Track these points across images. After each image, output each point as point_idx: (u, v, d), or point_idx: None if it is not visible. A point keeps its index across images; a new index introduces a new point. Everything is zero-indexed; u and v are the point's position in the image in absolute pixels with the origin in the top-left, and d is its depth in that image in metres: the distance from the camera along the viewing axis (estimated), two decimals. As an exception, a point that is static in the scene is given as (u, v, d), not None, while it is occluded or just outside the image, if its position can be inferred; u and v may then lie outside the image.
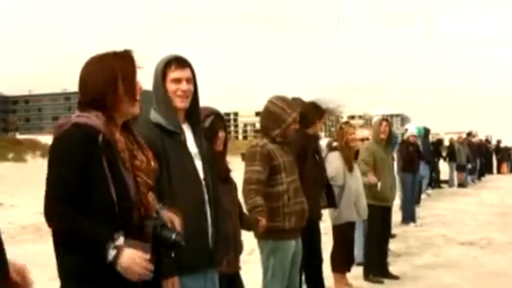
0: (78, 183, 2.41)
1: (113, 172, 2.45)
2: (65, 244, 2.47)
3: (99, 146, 2.44)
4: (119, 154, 2.51)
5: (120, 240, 2.39)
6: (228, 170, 3.96)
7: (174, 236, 2.55)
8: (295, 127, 4.83)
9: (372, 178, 7.22)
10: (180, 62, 3.29)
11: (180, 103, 3.27)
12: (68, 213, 2.40)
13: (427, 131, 16.73)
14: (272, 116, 4.77)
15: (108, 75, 2.55)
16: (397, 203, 10.83)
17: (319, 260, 5.89)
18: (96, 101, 2.54)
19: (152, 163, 2.67)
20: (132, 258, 2.39)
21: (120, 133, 2.58)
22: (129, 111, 2.62)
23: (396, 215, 11.21)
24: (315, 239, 5.74)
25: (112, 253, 2.37)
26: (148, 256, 2.42)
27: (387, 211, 7.60)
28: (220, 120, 3.86)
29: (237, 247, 3.92)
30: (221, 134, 3.84)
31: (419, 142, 12.67)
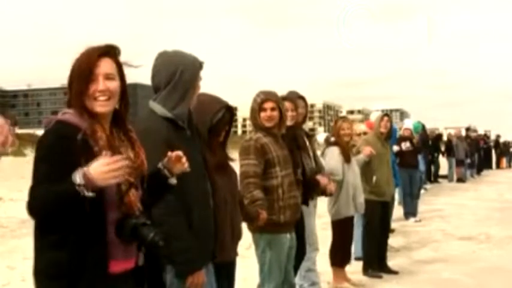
0: (57, 179, 2.36)
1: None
2: (46, 238, 2.46)
3: (77, 144, 2.42)
4: (100, 152, 2.46)
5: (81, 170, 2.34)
6: (226, 158, 3.98)
7: (151, 235, 2.51)
8: (270, 114, 4.72)
9: (366, 150, 7.24)
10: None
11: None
12: (40, 192, 2.37)
13: (423, 126, 16.75)
14: (250, 109, 4.84)
15: (81, 73, 2.52)
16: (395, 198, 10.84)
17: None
18: (73, 99, 2.53)
19: (142, 160, 2.63)
20: (97, 166, 2.34)
21: (104, 129, 2.53)
22: (94, 110, 2.53)
23: (396, 210, 11.21)
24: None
25: (78, 176, 2.32)
26: (114, 159, 2.36)
27: (385, 206, 7.60)
28: (229, 113, 3.92)
29: (234, 234, 3.92)
30: (227, 127, 3.92)
31: (415, 137, 12.65)
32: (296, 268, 5.34)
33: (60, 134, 2.46)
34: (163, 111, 3.26)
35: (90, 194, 2.33)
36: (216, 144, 3.84)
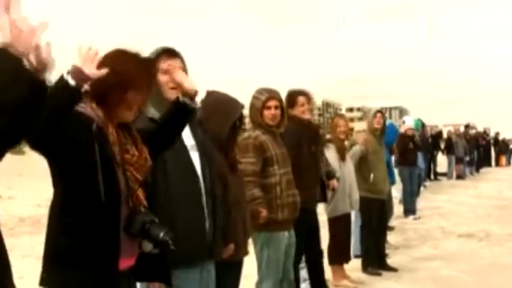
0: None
1: (103, 162, 2.44)
2: (59, 224, 2.47)
3: (92, 134, 2.43)
4: (110, 147, 2.49)
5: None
6: (236, 157, 4.00)
7: (162, 234, 2.52)
8: (274, 112, 4.72)
9: (362, 141, 7.27)
10: (170, 53, 3.25)
11: (172, 94, 3.15)
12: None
13: (423, 124, 16.77)
14: (250, 107, 4.83)
15: (123, 77, 2.51)
16: (395, 195, 10.84)
17: (319, 252, 5.91)
18: (101, 96, 2.52)
19: (146, 158, 2.64)
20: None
21: (114, 127, 2.56)
22: (123, 118, 2.59)
23: (395, 208, 11.21)
24: (313, 229, 5.74)
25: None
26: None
27: (382, 203, 7.59)
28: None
29: (246, 233, 3.93)
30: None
31: (416, 134, 12.65)
32: (296, 267, 5.35)
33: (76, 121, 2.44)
34: (148, 111, 3.22)
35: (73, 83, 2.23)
36: (233, 143, 3.88)
